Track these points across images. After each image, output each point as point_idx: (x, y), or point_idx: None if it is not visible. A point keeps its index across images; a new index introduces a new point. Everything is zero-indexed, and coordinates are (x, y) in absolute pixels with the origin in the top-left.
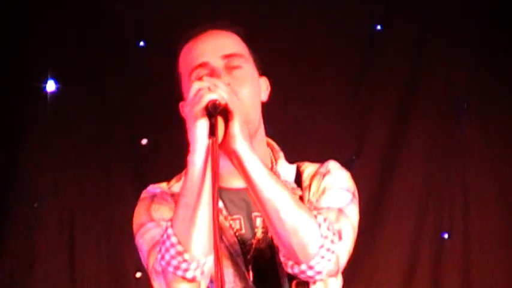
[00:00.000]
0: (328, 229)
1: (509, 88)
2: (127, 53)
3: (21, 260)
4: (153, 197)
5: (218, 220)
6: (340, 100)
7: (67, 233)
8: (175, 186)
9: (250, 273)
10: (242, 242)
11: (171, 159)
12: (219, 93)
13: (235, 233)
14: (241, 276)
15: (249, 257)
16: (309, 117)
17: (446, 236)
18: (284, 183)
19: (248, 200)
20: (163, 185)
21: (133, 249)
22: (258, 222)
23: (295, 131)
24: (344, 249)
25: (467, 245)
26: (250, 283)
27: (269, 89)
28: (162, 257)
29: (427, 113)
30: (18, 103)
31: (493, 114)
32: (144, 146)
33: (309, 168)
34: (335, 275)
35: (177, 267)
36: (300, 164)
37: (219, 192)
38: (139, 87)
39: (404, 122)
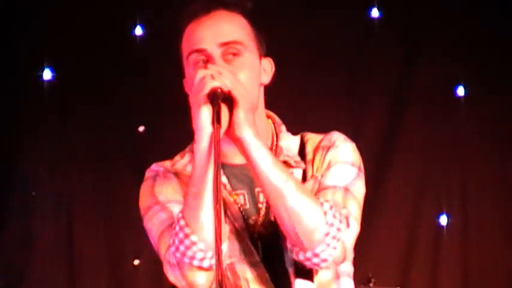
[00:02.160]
0: (334, 216)
1: (506, 72)
2: (125, 40)
3: (19, 248)
4: (156, 176)
5: (221, 209)
6: (339, 84)
7: (65, 221)
8: (179, 163)
9: (258, 248)
10: (247, 217)
11: (169, 146)
12: (222, 80)
13: (239, 208)
14: (247, 251)
15: (255, 232)
16: (308, 100)
17: (445, 218)
18: (289, 171)
19: (251, 175)
20: (167, 163)
21: (131, 237)
22: (262, 197)
23: (293, 116)
24: (350, 236)
25: (466, 228)
26: (257, 258)
27: (273, 69)
28: (177, 249)
29: (425, 96)
30: (15, 92)
31: (490, 98)
32: (142, 133)
33: (312, 139)
34: (341, 262)
35: (192, 257)
36: (304, 134)
37: (222, 168)
38: (137, 76)
39: (402, 106)
